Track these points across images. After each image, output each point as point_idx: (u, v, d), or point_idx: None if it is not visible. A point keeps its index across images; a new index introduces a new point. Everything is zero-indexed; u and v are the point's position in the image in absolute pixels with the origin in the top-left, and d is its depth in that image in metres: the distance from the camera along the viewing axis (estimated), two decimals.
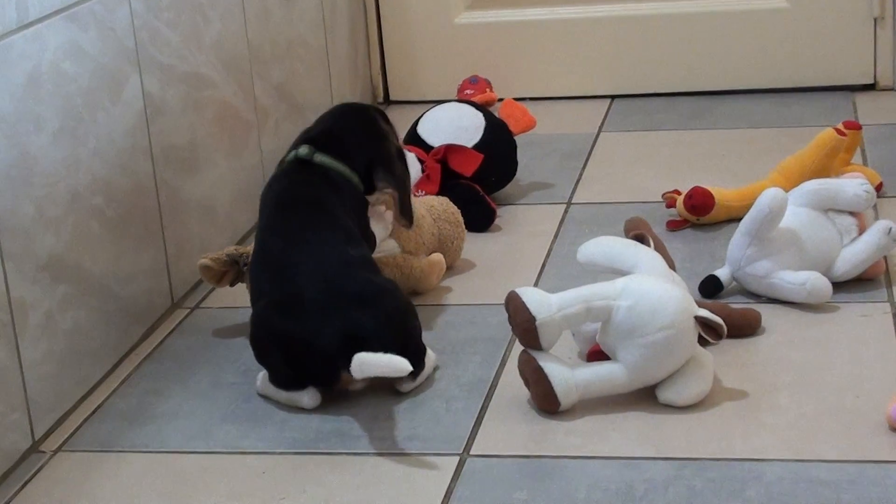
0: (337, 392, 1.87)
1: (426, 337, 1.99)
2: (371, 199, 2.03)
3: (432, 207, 2.28)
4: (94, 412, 1.91)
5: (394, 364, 1.73)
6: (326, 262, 1.86)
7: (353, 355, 1.75)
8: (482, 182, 2.48)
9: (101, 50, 1.98)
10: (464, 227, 2.30)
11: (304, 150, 1.98)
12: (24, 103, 1.80)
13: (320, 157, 1.98)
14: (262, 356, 1.89)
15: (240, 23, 2.46)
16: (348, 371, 1.76)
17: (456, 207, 2.31)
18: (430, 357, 1.93)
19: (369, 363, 1.75)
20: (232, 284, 2.15)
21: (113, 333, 2.03)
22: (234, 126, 2.44)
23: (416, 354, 1.88)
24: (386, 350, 1.77)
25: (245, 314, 2.13)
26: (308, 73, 2.80)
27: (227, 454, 1.78)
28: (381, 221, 2.09)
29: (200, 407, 1.90)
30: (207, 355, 2.05)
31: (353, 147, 2.01)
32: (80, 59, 1.93)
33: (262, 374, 1.92)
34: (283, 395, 1.89)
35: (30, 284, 1.81)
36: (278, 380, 1.88)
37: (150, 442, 1.82)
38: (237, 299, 2.22)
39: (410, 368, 1.73)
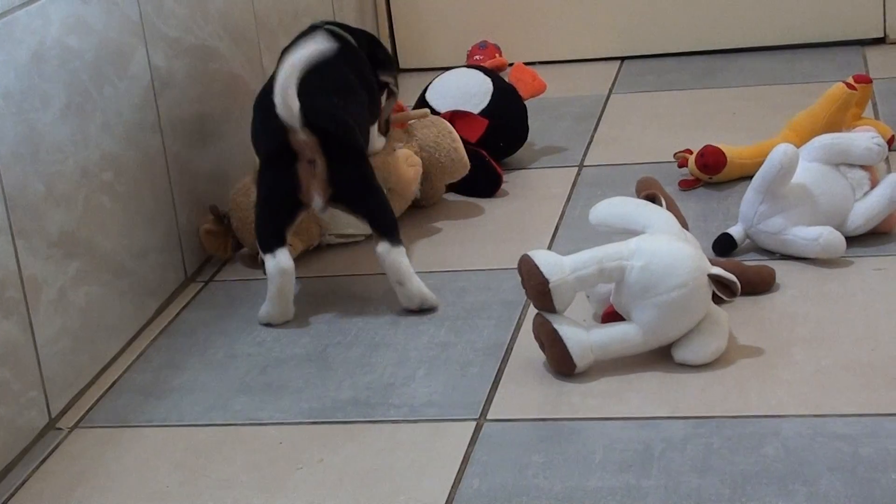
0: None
1: (440, 303, 2.03)
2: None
3: (425, 144, 2.36)
4: (110, 388, 1.91)
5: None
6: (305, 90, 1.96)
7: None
8: (490, 147, 2.47)
9: (105, 24, 1.98)
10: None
11: (318, 22, 2.21)
12: (29, 80, 1.79)
13: (332, 27, 2.18)
14: (257, 212, 2.01)
15: None
16: (297, 138, 1.94)
17: (462, 154, 2.36)
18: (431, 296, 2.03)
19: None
20: (235, 250, 2.24)
21: (127, 308, 2.03)
22: (242, 97, 2.43)
23: (378, 204, 2.03)
24: (337, 141, 1.97)
25: (257, 286, 2.14)
26: None
27: (244, 426, 1.78)
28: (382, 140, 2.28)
29: (216, 379, 1.90)
30: (222, 328, 2.05)
31: (366, 41, 2.24)
32: (84, 33, 1.92)
33: (263, 305, 2.01)
34: (269, 285, 1.99)
35: (42, 261, 1.81)
36: (262, 237, 2.00)
37: (168, 416, 1.82)
38: (251, 272, 2.22)
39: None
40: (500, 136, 2.52)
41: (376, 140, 2.26)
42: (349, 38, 2.20)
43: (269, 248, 1.99)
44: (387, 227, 2.00)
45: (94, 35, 1.95)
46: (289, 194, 1.97)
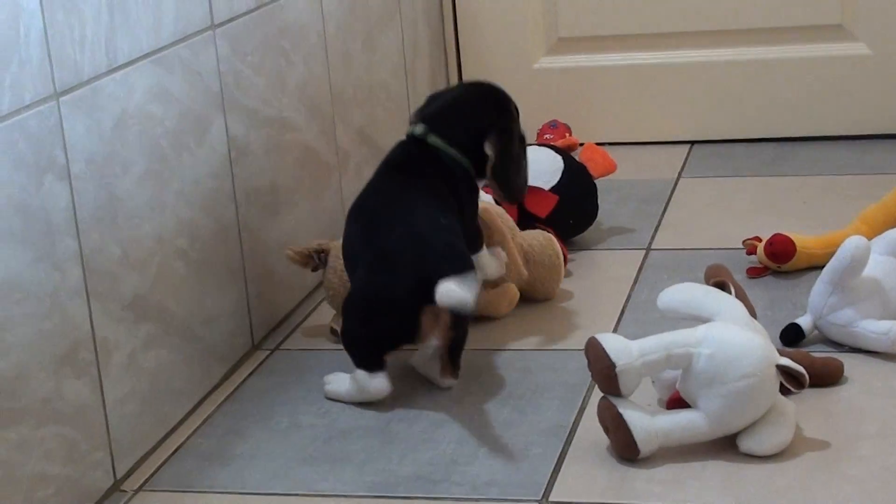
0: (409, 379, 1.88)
1: (504, 382, 2.03)
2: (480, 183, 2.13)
3: (531, 248, 2.30)
4: (175, 452, 1.92)
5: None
6: (417, 223, 1.95)
7: (429, 293, 1.82)
8: (559, 225, 2.48)
9: (187, 93, 2.01)
10: (561, 269, 2.32)
11: (419, 129, 2.08)
12: (112, 145, 1.82)
13: (434, 139, 2.07)
14: (352, 328, 1.98)
15: (323, 67, 2.48)
16: (428, 312, 1.89)
17: (559, 248, 2.33)
18: None
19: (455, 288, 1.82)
20: (314, 270, 2.24)
21: (194, 373, 2.04)
22: (315, 169, 2.46)
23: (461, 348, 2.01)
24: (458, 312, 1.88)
25: (323, 356, 2.16)
26: (389, 117, 2.81)
27: (306, 496, 1.79)
28: (496, 259, 2.18)
29: (280, 448, 1.91)
30: (287, 396, 2.06)
31: (469, 128, 2.09)
32: (166, 102, 1.96)
33: (332, 376, 2.02)
34: (357, 384, 1.97)
35: (114, 324, 1.83)
36: (362, 358, 1.97)
37: (230, 482, 1.83)
38: (317, 342, 2.24)
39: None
40: (569, 213, 2.53)
41: (489, 264, 2.16)
42: (447, 151, 2.07)
43: (369, 368, 1.98)
44: (459, 366, 2.03)
45: (175, 104, 1.98)
46: (404, 337, 1.97)
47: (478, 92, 2.16)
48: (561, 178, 2.54)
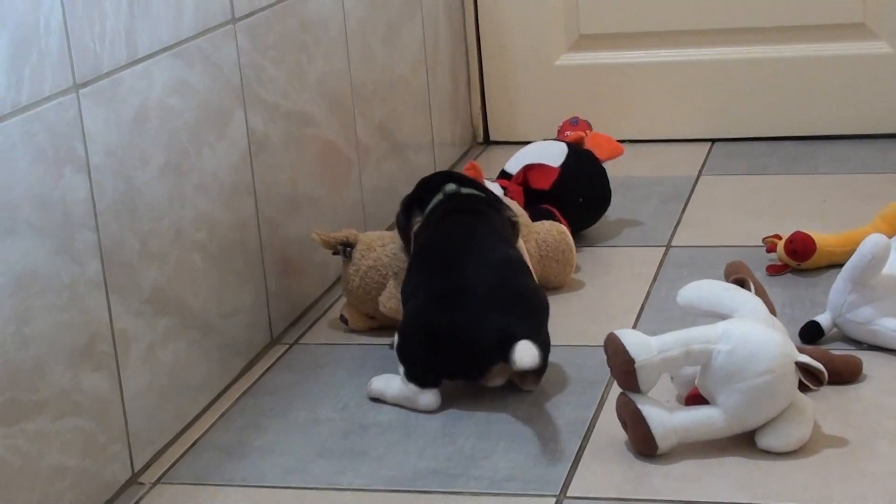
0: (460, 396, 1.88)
1: None
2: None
3: (545, 242, 2.31)
4: (192, 445, 1.93)
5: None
6: (490, 259, 1.98)
7: (506, 352, 1.84)
8: (568, 203, 2.48)
9: (207, 86, 2.01)
10: (573, 261, 2.34)
11: (450, 187, 2.13)
12: (131, 138, 1.83)
13: (467, 190, 2.13)
14: (409, 347, 1.96)
15: (343, 62, 2.48)
16: (499, 364, 1.89)
17: (572, 242, 2.34)
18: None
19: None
20: (335, 254, 2.25)
21: (213, 367, 2.05)
22: (335, 163, 2.46)
23: (547, 357, 1.97)
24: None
25: (343, 351, 2.16)
26: (409, 112, 2.81)
27: (324, 490, 1.79)
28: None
29: (298, 442, 1.91)
30: (305, 391, 2.06)
31: (481, 187, 2.19)
32: (186, 95, 1.96)
33: (378, 378, 2.00)
34: (407, 391, 1.96)
35: (133, 317, 1.83)
36: (416, 375, 1.95)
37: (248, 476, 1.83)
38: (336, 336, 2.24)
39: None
40: (578, 191, 2.53)
41: None
42: (481, 195, 2.15)
43: (422, 385, 1.96)
44: (541, 376, 2.01)
45: (195, 97, 1.98)
46: (469, 376, 1.97)
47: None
48: (566, 159, 2.55)
